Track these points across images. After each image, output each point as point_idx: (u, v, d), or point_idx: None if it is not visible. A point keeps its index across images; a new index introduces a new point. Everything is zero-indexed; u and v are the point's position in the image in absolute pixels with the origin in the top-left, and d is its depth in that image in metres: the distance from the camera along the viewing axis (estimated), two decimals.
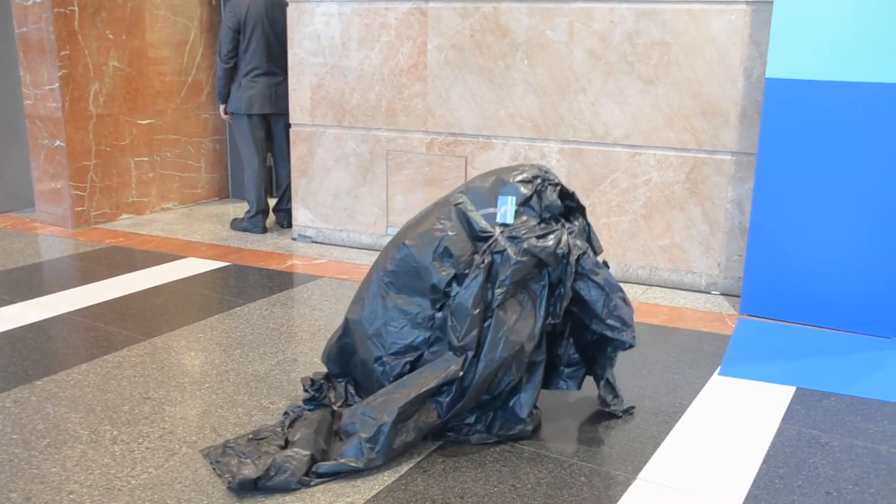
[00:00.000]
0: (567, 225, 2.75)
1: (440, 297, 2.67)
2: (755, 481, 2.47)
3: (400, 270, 2.77)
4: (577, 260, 2.66)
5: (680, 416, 2.90)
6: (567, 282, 2.64)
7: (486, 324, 2.59)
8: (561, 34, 4.41)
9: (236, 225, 5.75)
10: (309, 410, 2.78)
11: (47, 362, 3.32)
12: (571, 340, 2.86)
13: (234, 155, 6.70)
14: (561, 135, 4.52)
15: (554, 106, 4.51)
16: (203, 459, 2.54)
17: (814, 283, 3.81)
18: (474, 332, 2.57)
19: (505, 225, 2.66)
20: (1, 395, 3.00)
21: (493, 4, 4.54)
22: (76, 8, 5.44)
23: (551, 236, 2.64)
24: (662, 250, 4.41)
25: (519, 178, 2.74)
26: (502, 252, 2.61)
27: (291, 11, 5.16)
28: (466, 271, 2.64)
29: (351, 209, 5.26)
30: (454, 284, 2.65)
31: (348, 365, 2.93)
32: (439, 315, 2.66)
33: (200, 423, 2.81)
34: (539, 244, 2.61)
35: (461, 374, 2.56)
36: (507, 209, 2.67)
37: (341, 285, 4.45)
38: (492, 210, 2.70)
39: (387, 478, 2.47)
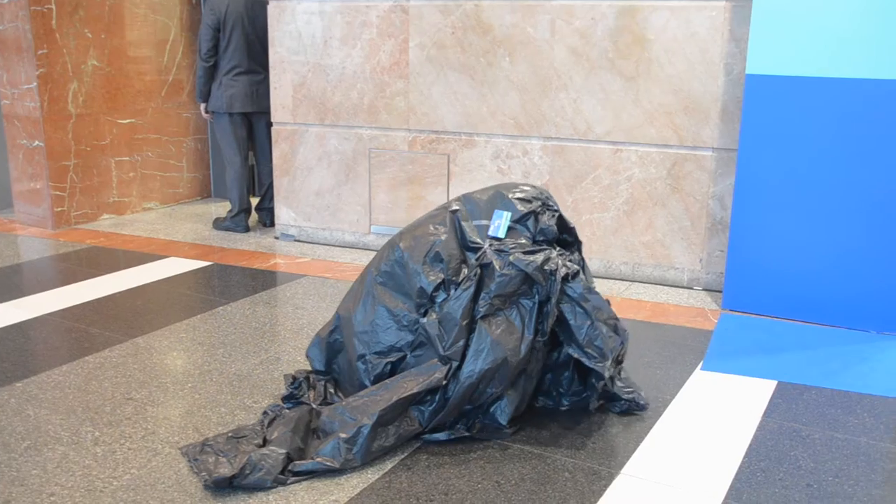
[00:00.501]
0: (559, 249, 2.76)
1: (426, 301, 2.69)
2: (737, 474, 2.48)
3: (392, 271, 2.79)
4: (566, 280, 2.66)
5: (663, 411, 2.91)
6: (553, 299, 2.65)
7: (471, 336, 2.61)
8: (542, 31, 4.41)
9: (219, 224, 5.72)
10: (288, 409, 2.78)
11: (27, 364, 3.29)
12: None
13: (215, 154, 6.68)
14: (543, 132, 4.53)
15: (536, 103, 4.51)
16: (185, 459, 2.53)
17: (795, 277, 3.84)
18: (461, 343, 2.59)
19: (496, 238, 2.69)
20: None
21: (474, 2, 4.54)
22: (53, 6, 5.39)
23: (540, 254, 2.66)
24: (645, 246, 4.43)
25: (518, 195, 2.77)
26: (489, 265, 2.64)
27: (272, 9, 5.14)
28: (454, 278, 2.66)
29: (333, 208, 5.25)
30: (441, 290, 2.67)
31: (332, 362, 2.93)
32: (423, 320, 2.67)
33: (183, 423, 2.79)
34: (525, 259, 2.62)
35: (445, 382, 2.56)
36: (500, 223, 2.70)
37: (324, 284, 4.44)
38: (486, 222, 2.72)
39: (371, 475, 2.46)
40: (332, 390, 2.86)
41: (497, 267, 2.63)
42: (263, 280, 4.52)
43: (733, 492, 2.39)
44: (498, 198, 2.78)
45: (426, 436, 2.66)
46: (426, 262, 2.71)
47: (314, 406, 2.78)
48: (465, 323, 2.60)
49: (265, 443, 2.56)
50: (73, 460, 2.53)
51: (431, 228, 2.78)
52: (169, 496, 2.33)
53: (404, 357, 2.72)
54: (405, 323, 2.72)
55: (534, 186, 2.84)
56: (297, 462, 2.47)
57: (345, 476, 2.46)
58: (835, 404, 2.98)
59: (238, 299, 4.14)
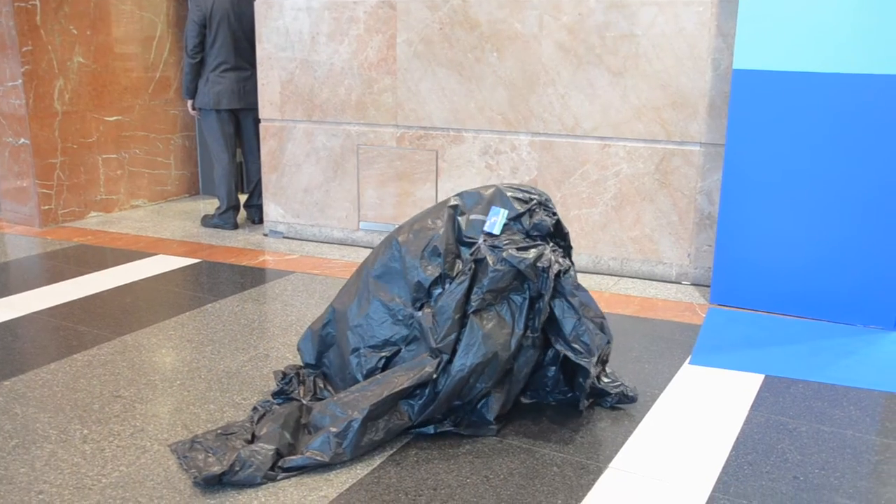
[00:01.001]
0: (552, 245, 2.77)
1: (423, 295, 2.70)
2: (725, 467, 2.50)
3: (388, 265, 2.81)
4: (557, 276, 2.67)
5: (651, 406, 2.92)
6: (546, 295, 2.65)
7: (462, 330, 2.61)
8: (530, 26, 4.42)
9: (207, 221, 5.70)
10: (277, 405, 2.78)
11: (15, 362, 3.28)
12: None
13: (203, 151, 6.65)
14: (531, 127, 4.54)
15: (524, 98, 4.52)
16: (174, 456, 2.52)
17: (782, 272, 3.86)
18: (452, 336, 2.60)
19: (491, 235, 2.70)
20: None
21: None
22: (38, 2, 5.35)
23: (533, 250, 2.66)
24: (633, 241, 4.44)
25: (517, 195, 2.78)
26: (482, 260, 2.65)
27: (259, 6, 5.12)
28: (449, 272, 2.68)
29: (322, 204, 5.24)
30: (438, 285, 2.68)
31: (322, 356, 2.93)
32: (418, 314, 2.68)
33: (172, 420, 2.78)
34: (518, 255, 2.63)
35: (435, 376, 2.57)
36: (496, 220, 2.72)
37: (313, 280, 4.43)
38: (482, 218, 2.74)
39: (360, 471, 2.47)
40: (321, 385, 2.86)
41: (490, 262, 2.64)
42: (252, 277, 4.51)
43: (721, 485, 2.40)
44: (497, 194, 2.80)
45: (414, 429, 2.66)
46: (424, 256, 2.73)
47: (304, 402, 2.78)
48: (457, 317, 2.61)
49: (254, 439, 2.56)
50: (62, 458, 2.52)
51: (430, 223, 2.80)
52: (158, 493, 2.33)
53: (398, 351, 2.73)
54: (400, 317, 2.73)
55: (535, 189, 2.87)
56: (288, 458, 2.47)
57: (334, 471, 2.46)
58: (821, 397, 3.00)
59: (227, 296, 4.13)
